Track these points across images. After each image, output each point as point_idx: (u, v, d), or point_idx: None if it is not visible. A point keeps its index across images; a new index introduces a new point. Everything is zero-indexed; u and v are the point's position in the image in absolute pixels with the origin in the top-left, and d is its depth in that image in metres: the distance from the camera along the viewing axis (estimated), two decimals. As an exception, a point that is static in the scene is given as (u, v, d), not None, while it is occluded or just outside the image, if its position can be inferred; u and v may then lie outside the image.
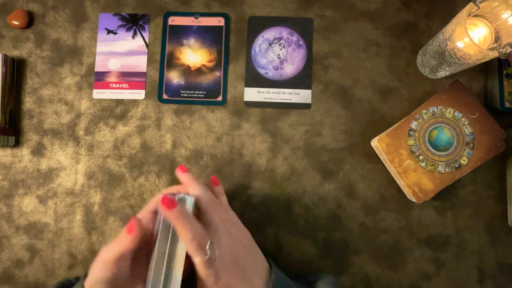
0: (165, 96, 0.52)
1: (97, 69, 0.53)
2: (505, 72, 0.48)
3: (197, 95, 0.52)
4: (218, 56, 0.52)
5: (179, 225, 0.33)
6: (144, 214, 0.37)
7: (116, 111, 0.52)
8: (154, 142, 0.51)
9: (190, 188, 0.38)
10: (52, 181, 0.51)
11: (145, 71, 0.53)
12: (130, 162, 0.51)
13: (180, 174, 0.40)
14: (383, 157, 0.47)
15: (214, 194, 0.40)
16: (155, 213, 0.37)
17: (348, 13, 0.52)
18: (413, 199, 0.45)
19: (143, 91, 0.52)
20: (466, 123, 0.45)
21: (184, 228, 0.33)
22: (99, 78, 0.53)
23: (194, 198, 0.36)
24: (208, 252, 0.33)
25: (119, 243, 0.33)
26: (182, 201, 0.36)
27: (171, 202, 0.33)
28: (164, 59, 0.53)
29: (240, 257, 0.36)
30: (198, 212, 0.37)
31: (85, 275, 0.36)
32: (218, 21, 0.53)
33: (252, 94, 0.51)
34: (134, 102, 0.52)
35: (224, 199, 0.43)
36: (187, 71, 0.52)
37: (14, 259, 0.50)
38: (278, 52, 0.52)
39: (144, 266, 0.35)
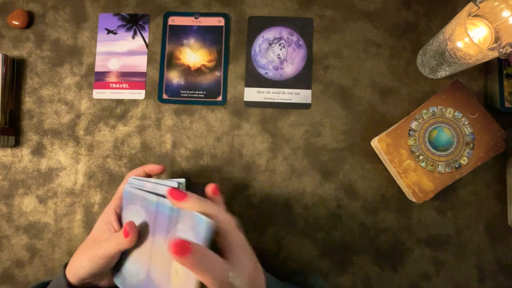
0: (165, 96, 0.52)
1: (97, 69, 0.53)
2: (505, 72, 0.48)
3: (197, 95, 0.52)
4: (218, 56, 0.52)
5: (197, 271, 0.28)
6: (117, 201, 0.40)
7: (116, 111, 0.52)
8: (154, 142, 0.51)
9: (212, 210, 0.32)
10: (52, 181, 0.51)
11: (145, 71, 0.53)
12: (130, 162, 0.51)
13: (211, 196, 0.37)
14: (383, 157, 0.47)
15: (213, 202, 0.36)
16: (120, 208, 0.40)
17: (348, 13, 0.52)
18: (413, 199, 0.45)
19: (143, 91, 0.52)
20: (466, 123, 0.45)
21: (203, 273, 0.28)
22: (99, 78, 0.53)
23: (212, 223, 0.30)
24: (232, 283, 0.29)
25: (117, 243, 0.35)
26: (196, 220, 0.31)
27: (184, 247, 0.27)
28: (164, 59, 0.53)
29: (254, 272, 0.33)
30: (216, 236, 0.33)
31: (65, 264, 0.37)
32: (218, 21, 0.53)
33: (252, 94, 0.51)
34: (134, 102, 0.52)
35: (223, 208, 0.37)
36: (187, 71, 0.52)
37: (14, 259, 0.50)
38: (278, 52, 0.52)
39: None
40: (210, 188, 0.38)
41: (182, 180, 0.36)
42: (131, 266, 0.37)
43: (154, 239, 0.35)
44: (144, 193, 0.37)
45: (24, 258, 0.50)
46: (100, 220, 0.39)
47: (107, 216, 0.39)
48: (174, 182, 0.36)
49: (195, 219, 0.31)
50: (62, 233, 0.50)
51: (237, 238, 0.32)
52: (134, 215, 0.38)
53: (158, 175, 0.45)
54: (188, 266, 0.28)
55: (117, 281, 0.39)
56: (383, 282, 0.48)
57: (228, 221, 0.32)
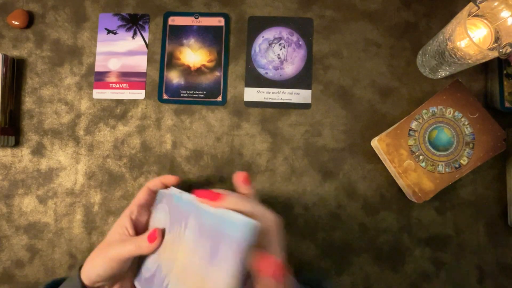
0: (165, 96, 0.52)
1: (97, 69, 0.53)
2: (505, 72, 0.48)
3: (197, 95, 0.52)
4: (218, 56, 0.52)
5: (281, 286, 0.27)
6: (133, 208, 0.41)
7: (116, 111, 0.52)
8: (154, 142, 0.51)
9: (258, 210, 0.30)
10: (52, 181, 0.51)
11: (145, 71, 0.53)
12: (130, 162, 0.51)
13: (241, 185, 0.34)
14: (383, 157, 0.47)
15: (244, 193, 0.35)
16: (143, 206, 0.41)
17: (348, 13, 0.52)
18: (413, 199, 0.45)
19: (143, 91, 0.52)
20: (466, 123, 0.45)
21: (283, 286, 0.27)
22: (99, 78, 0.53)
23: (257, 225, 0.27)
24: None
25: (137, 247, 0.35)
26: (238, 223, 0.27)
27: (283, 272, 0.27)
28: (164, 59, 0.53)
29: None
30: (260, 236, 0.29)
31: (80, 266, 0.38)
32: (218, 21, 0.53)
33: (252, 94, 0.51)
34: (134, 102, 0.52)
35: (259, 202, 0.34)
36: (187, 71, 0.52)
37: (14, 259, 0.50)
38: (278, 52, 0.52)
39: (134, 261, 0.39)
40: (240, 177, 0.34)
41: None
42: (148, 262, 0.38)
43: (170, 232, 0.35)
44: (172, 189, 0.40)
45: (24, 258, 0.50)
46: (116, 224, 0.40)
47: (123, 221, 0.40)
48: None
49: (235, 221, 0.27)
50: (62, 233, 0.50)
51: (276, 238, 0.30)
52: (160, 212, 0.39)
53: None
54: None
55: (136, 283, 0.39)
56: (383, 282, 0.48)
57: (272, 220, 0.30)
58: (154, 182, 0.42)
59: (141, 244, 0.35)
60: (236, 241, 0.27)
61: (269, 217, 0.30)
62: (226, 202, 0.29)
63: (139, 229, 0.40)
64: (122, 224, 0.39)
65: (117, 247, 0.35)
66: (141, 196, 0.42)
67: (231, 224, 0.27)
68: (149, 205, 0.42)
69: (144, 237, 0.36)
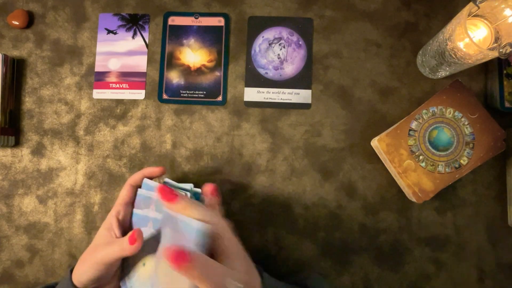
0: (165, 96, 0.52)
1: (97, 69, 0.53)
2: (505, 72, 0.48)
3: (197, 95, 0.52)
4: (218, 56, 0.52)
5: (197, 281, 0.27)
6: (119, 208, 0.40)
7: (116, 111, 0.52)
8: (154, 142, 0.51)
9: (205, 214, 0.31)
10: (52, 181, 0.51)
11: (145, 71, 0.53)
12: (130, 162, 0.51)
13: (209, 196, 0.38)
14: (383, 157, 0.47)
15: (210, 203, 0.38)
16: (128, 204, 0.40)
17: (348, 13, 0.52)
18: (413, 199, 0.45)
19: (143, 91, 0.52)
20: (466, 123, 0.45)
21: (202, 282, 0.27)
22: (99, 78, 0.53)
23: (205, 228, 0.29)
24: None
25: (120, 249, 0.34)
26: (187, 225, 0.30)
27: (181, 256, 0.26)
28: (164, 59, 0.53)
29: (247, 275, 0.32)
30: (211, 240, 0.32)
31: (71, 270, 0.37)
32: (218, 21, 0.53)
33: (252, 94, 0.51)
34: (134, 102, 0.52)
35: (219, 209, 0.39)
36: (187, 71, 0.52)
37: (14, 259, 0.50)
38: (278, 52, 0.52)
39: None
40: (208, 188, 0.38)
41: (190, 185, 0.38)
42: (138, 273, 0.37)
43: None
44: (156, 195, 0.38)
45: (24, 258, 0.50)
46: (102, 226, 0.39)
47: (109, 222, 0.39)
48: (187, 185, 0.38)
49: (186, 223, 0.30)
50: (62, 233, 0.50)
51: (230, 243, 0.32)
52: (144, 219, 0.38)
53: (160, 178, 0.45)
54: (187, 275, 0.27)
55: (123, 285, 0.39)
56: (383, 282, 0.48)
57: (222, 225, 0.32)
58: (135, 178, 0.41)
59: (124, 246, 0.34)
60: (186, 243, 0.29)
61: (220, 223, 0.32)
62: (179, 205, 0.31)
63: (126, 228, 0.39)
64: (108, 226, 0.38)
65: (103, 250, 0.35)
66: (124, 194, 0.40)
67: (188, 226, 0.30)
68: (133, 202, 0.41)
69: (126, 238, 0.35)
